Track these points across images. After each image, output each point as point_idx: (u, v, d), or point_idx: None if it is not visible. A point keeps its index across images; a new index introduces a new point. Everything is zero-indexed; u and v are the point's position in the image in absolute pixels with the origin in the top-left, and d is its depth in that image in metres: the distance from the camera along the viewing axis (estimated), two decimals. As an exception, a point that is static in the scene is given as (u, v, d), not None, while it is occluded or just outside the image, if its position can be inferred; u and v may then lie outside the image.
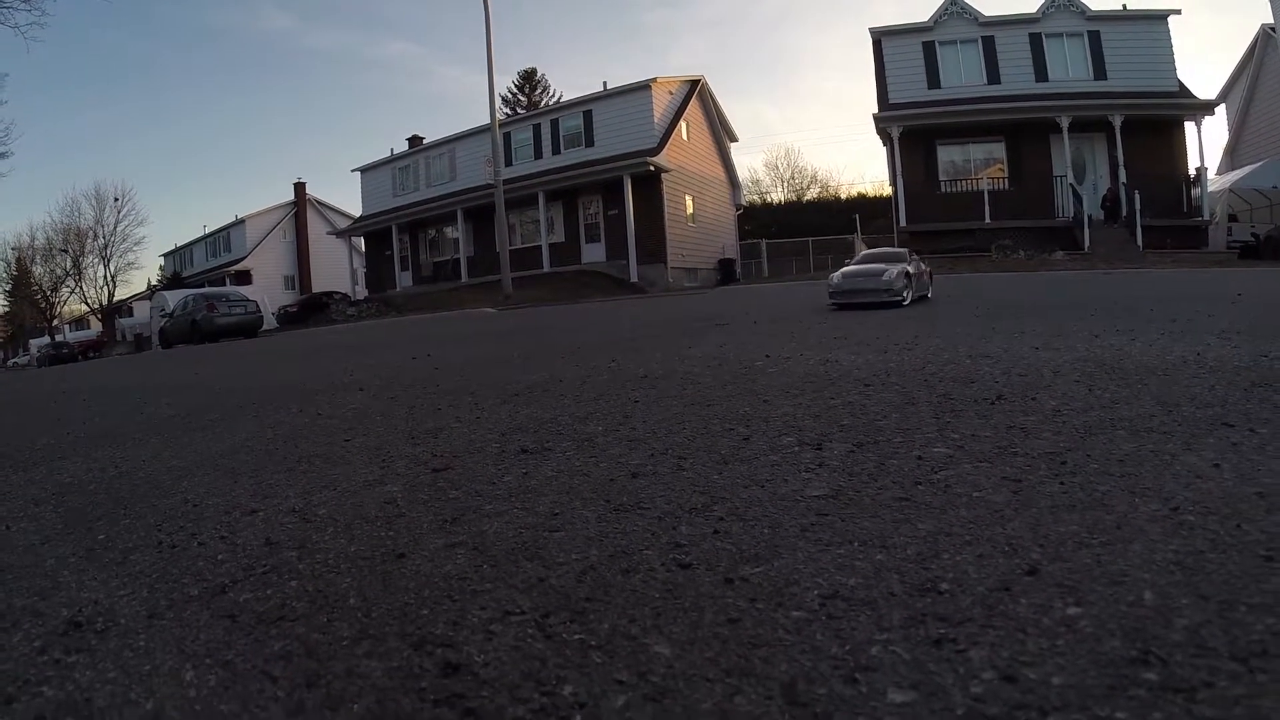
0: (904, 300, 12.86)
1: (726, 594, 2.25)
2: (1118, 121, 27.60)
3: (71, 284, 57.81)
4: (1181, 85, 29.38)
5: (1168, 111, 28.71)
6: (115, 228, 56.53)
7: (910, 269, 13.45)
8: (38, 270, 60.04)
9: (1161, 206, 26.84)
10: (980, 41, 30.57)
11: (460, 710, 1.79)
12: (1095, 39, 29.57)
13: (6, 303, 66.31)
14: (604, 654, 1.98)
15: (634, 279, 30.09)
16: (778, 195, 57.38)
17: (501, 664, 1.99)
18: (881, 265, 13.63)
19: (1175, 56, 29.46)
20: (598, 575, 2.49)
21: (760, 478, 3.36)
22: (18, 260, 61.45)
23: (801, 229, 42.13)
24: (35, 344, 55.42)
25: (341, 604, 2.49)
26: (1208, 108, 29.50)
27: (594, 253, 32.72)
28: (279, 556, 3.04)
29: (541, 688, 1.85)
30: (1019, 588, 2.11)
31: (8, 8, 20.22)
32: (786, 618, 2.06)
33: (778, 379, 5.87)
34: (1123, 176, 27.45)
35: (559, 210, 33.67)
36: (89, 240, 56.46)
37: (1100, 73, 29.37)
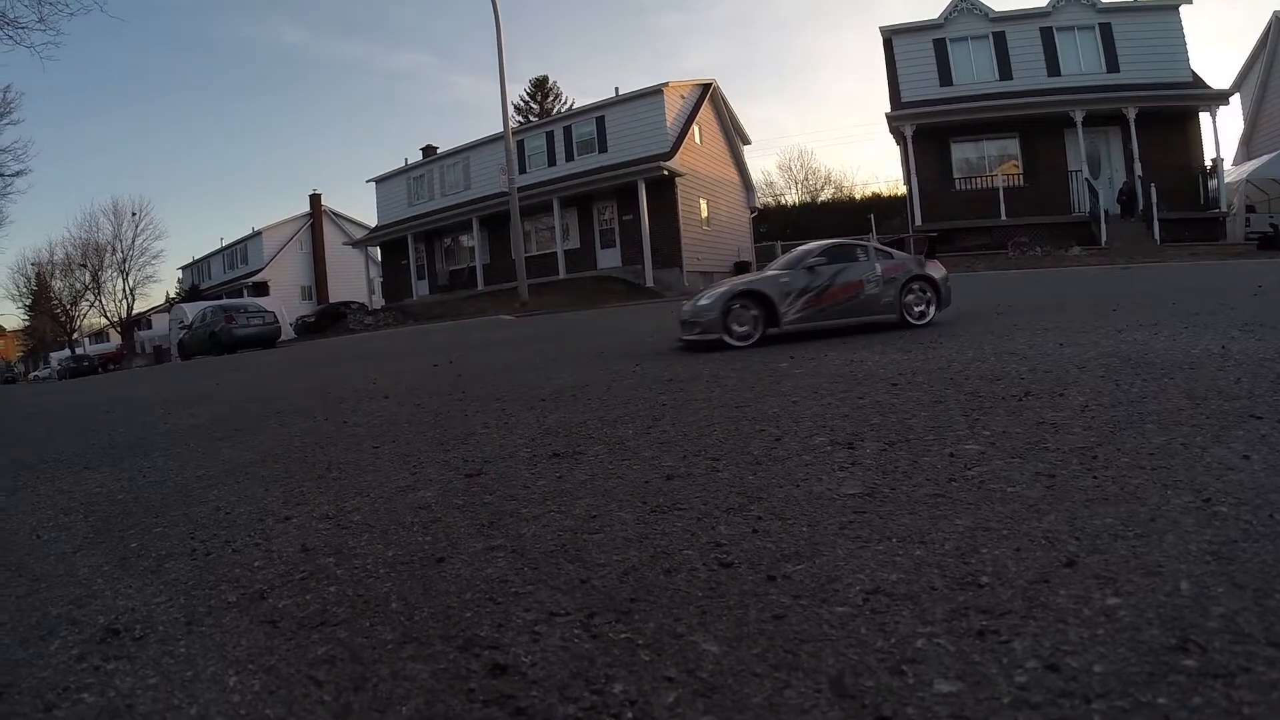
0: (734, 340, 8.87)
1: (770, 591, 2.27)
2: (1132, 114, 27.41)
3: (91, 298, 58.37)
4: (1195, 76, 29.15)
5: (1182, 103, 28.49)
6: (133, 242, 57.06)
7: (792, 277, 9.29)
8: (57, 285, 60.74)
9: (1178, 199, 26.65)
10: (991, 37, 30.42)
11: (510, 710, 1.81)
12: (1107, 31, 29.38)
13: (27, 317, 67.16)
14: (652, 652, 2.00)
15: (650, 283, 30.01)
16: (792, 197, 57.27)
17: (549, 664, 2.01)
18: (733, 281, 9.83)
19: (1188, 47, 29.27)
20: (640, 576, 2.51)
21: (795, 477, 3.39)
22: (37, 275, 62.17)
23: (816, 230, 41.85)
24: (56, 357, 55.96)
25: (383, 608, 2.50)
26: (1222, 98, 29.27)
27: (609, 258, 32.67)
28: (316, 562, 3.06)
29: (591, 686, 1.87)
30: (1058, 580, 2.14)
31: (23, 28, 20.41)
32: (831, 613, 2.09)
33: (804, 379, 5.90)
34: (1138, 170, 27.24)
35: (573, 216, 33.61)
36: (107, 254, 56.98)
37: (1113, 65, 29.17)
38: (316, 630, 2.39)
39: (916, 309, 9.48)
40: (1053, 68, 29.67)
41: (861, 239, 10.56)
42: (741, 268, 34.83)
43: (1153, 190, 25.75)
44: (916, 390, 5.05)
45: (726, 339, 8.85)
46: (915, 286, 9.52)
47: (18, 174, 27.69)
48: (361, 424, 6.35)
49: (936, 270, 9.72)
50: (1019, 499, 2.81)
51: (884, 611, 2.06)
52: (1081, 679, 1.66)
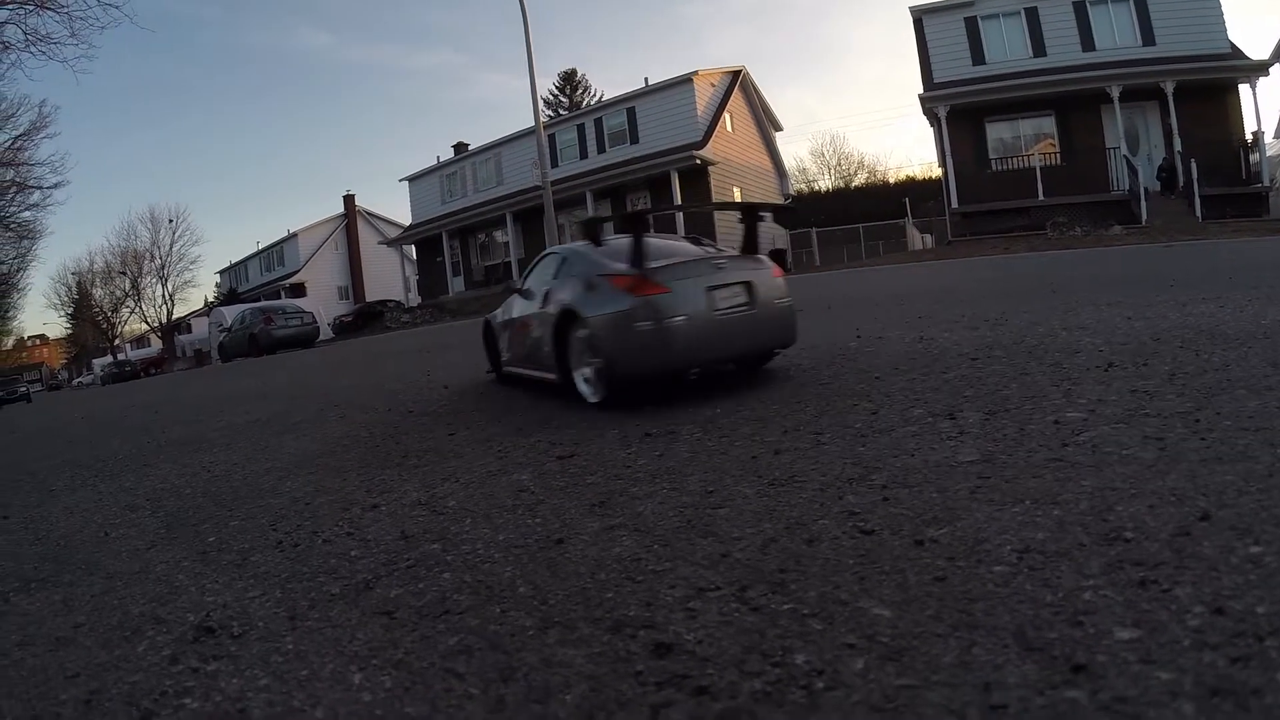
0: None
1: (922, 555, 2.28)
2: (1169, 88, 26.86)
3: (131, 304, 59.47)
4: (1234, 46, 28.50)
5: (1220, 74, 27.86)
6: (171, 248, 58.06)
7: (509, 305, 7.27)
8: (98, 293, 61.90)
9: (1219, 174, 26.05)
10: (1023, 13, 29.87)
11: (690, 690, 1.76)
12: (1141, 4, 28.74)
13: (69, 325, 68.37)
14: (822, 621, 1.99)
15: (685, 273, 29.92)
16: (825, 183, 56.66)
17: (716, 640, 1.96)
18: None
19: (1225, 16, 28.72)
20: (782, 547, 2.50)
21: (906, 447, 3.40)
22: (78, 284, 63.33)
23: (851, 216, 41.49)
24: (98, 363, 56.90)
25: (510, 593, 2.45)
26: (1262, 68, 28.60)
27: (643, 249, 32.47)
28: (420, 550, 3.03)
29: (769, 659, 1.84)
30: (1198, 532, 2.18)
31: (55, 43, 20.87)
32: (990, 572, 2.11)
33: (878, 357, 5.88)
34: (1178, 145, 26.65)
35: (607, 208, 33.30)
36: (146, 261, 58.00)
37: (1149, 38, 28.59)
38: (441, 620, 2.34)
39: (581, 374, 5.69)
40: (1087, 42, 29.14)
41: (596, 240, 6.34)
42: (776, 256, 34.56)
43: (1193, 166, 25.29)
44: (998, 364, 5.03)
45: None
46: (577, 334, 5.67)
47: (56, 186, 28.33)
48: (428, 413, 6.38)
49: (606, 299, 5.39)
50: (1135, 461, 2.83)
51: (1041, 568, 2.08)
52: (1249, 620, 1.71)
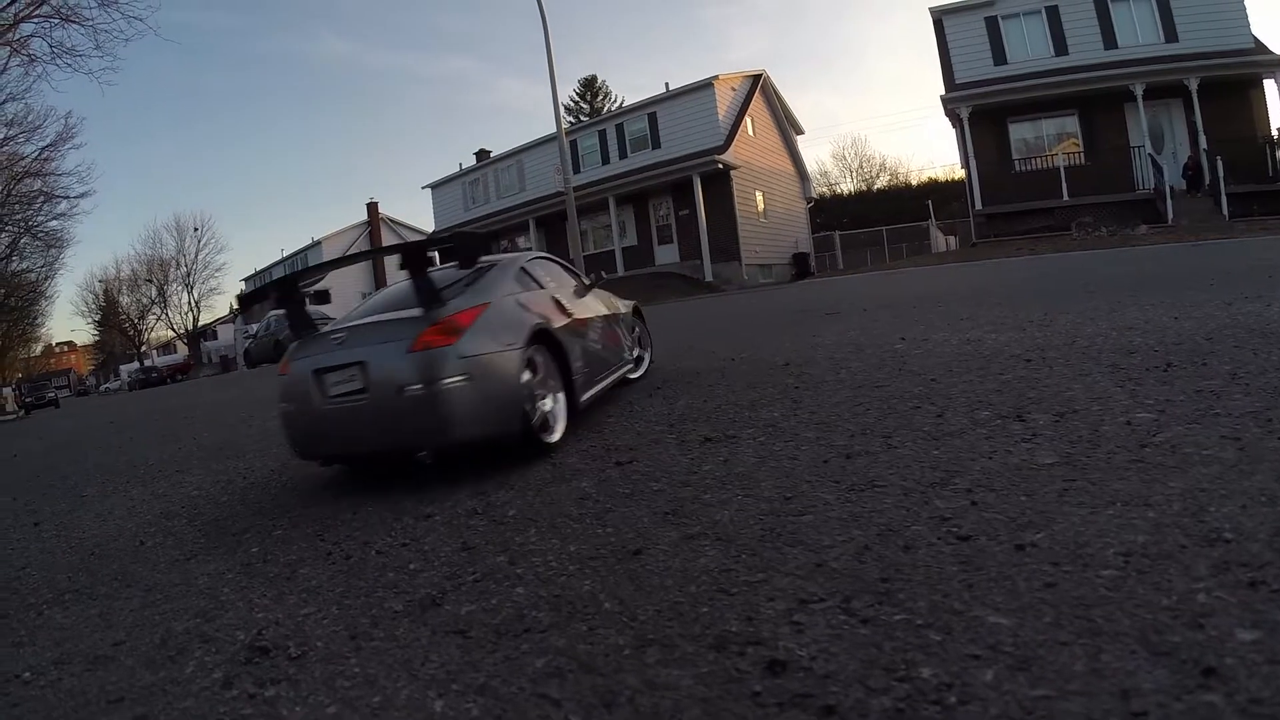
0: None
1: (1025, 560, 2.25)
2: (1193, 85, 26.58)
3: (157, 311, 60.30)
4: (1257, 41, 28.18)
5: (1245, 70, 27.57)
6: (196, 256, 58.98)
7: None
8: (124, 300, 62.81)
9: (1245, 172, 25.75)
10: (1044, 12, 29.65)
11: (815, 710, 1.69)
12: (1163, 0, 28.67)
13: (97, 332, 69.29)
14: (939, 631, 1.92)
15: (709, 278, 29.89)
16: (847, 186, 56.74)
17: (832, 655, 1.89)
18: None
19: (1248, 11, 28.39)
20: (878, 555, 2.44)
21: (981, 450, 3.37)
22: (105, 291, 64.12)
23: (874, 219, 41.38)
24: (125, 369, 57.58)
25: (594, 609, 2.36)
26: (1286, 63, 28.43)
27: (667, 254, 32.52)
28: (486, 562, 2.93)
29: (893, 674, 1.77)
30: (1297, 531, 2.16)
31: (81, 56, 21.26)
32: (1099, 577, 2.08)
33: (929, 360, 5.82)
34: (1203, 143, 26.35)
35: (629, 214, 33.54)
36: (172, 269, 58.88)
37: (1171, 35, 28.30)
38: (522, 639, 2.23)
39: None
40: (1109, 40, 28.89)
41: None
42: (800, 259, 34.49)
43: (1219, 163, 25.03)
44: (1054, 365, 4.96)
45: None
46: None
47: (82, 195, 28.90)
48: (474, 419, 6.33)
49: None
50: (1217, 461, 2.81)
51: (1150, 571, 2.07)
52: (1368, 616, 1.71)
